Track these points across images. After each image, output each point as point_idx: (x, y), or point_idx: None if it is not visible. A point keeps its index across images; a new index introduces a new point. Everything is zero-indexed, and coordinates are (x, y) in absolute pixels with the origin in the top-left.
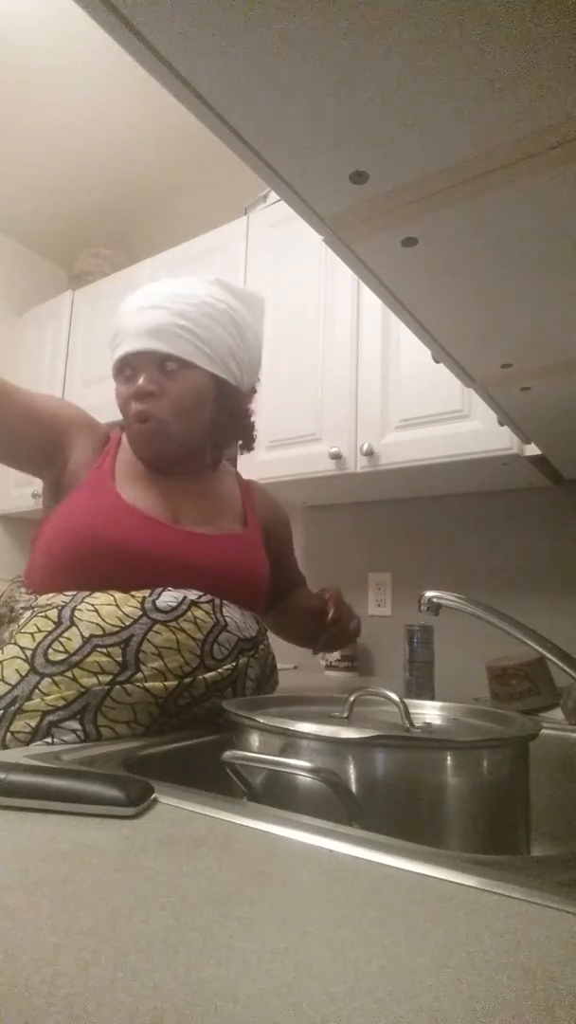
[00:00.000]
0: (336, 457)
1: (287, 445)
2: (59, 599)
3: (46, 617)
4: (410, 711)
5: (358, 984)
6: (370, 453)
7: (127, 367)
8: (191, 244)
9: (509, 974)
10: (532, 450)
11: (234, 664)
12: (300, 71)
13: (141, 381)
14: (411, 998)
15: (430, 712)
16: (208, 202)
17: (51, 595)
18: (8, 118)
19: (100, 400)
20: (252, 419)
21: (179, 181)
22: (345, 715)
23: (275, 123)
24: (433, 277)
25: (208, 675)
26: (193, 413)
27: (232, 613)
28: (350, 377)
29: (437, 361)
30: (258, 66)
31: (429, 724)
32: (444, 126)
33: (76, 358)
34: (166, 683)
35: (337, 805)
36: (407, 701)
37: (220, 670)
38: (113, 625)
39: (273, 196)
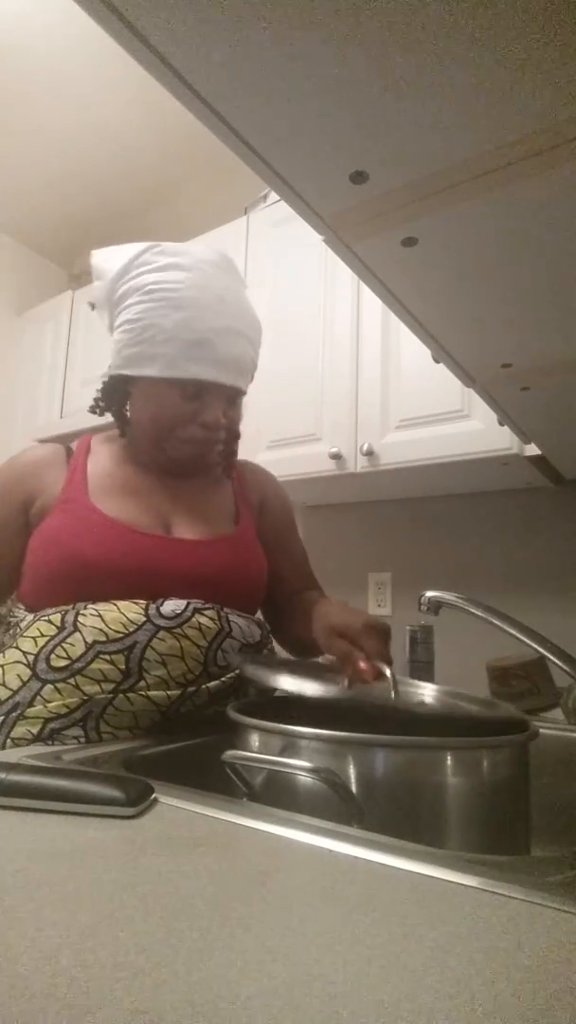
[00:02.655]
0: (336, 457)
1: (287, 445)
2: (62, 606)
3: (48, 622)
4: (405, 688)
5: (358, 984)
6: (370, 453)
7: (199, 388)
8: (191, 244)
9: (509, 974)
10: (532, 450)
11: (237, 671)
12: (300, 71)
13: (217, 415)
14: (411, 998)
15: (427, 693)
16: (208, 202)
17: None
18: (9, 118)
19: None
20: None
21: (179, 181)
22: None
23: (275, 123)
24: (433, 277)
25: (211, 684)
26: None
27: (236, 619)
28: (350, 377)
29: (437, 361)
30: (258, 66)
31: (422, 702)
32: (444, 126)
33: (76, 358)
34: (169, 692)
35: (337, 805)
36: (400, 678)
37: (224, 679)
38: (117, 631)
39: (273, 196)
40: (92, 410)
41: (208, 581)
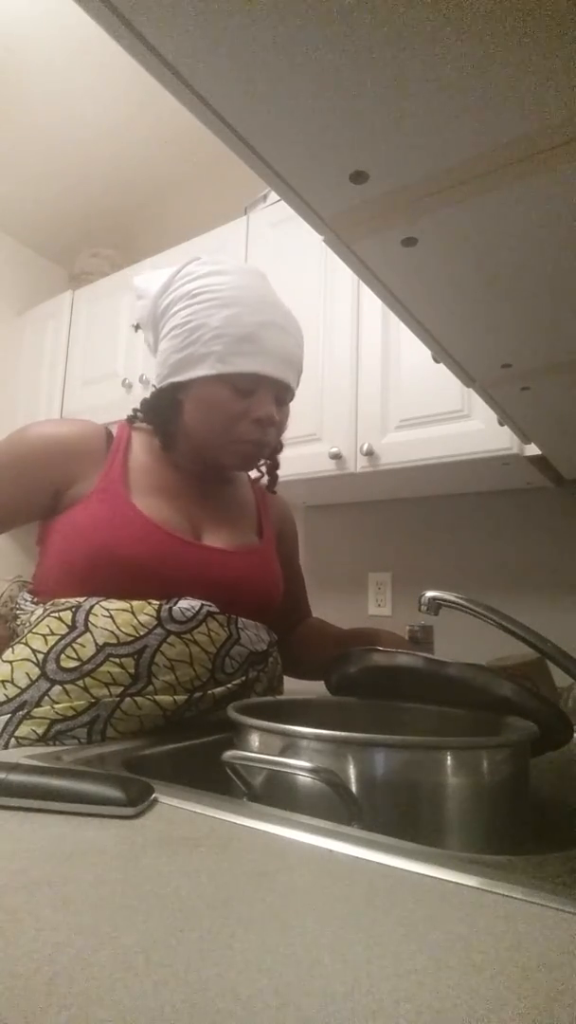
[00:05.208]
0: (336, 457)
1: (287, 445)
2: (73, 600)
3: (59, 619)
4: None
5: (358, 984)
6: (370, 453)
7: (250, 383)
8: (191, 244)
9: (509, 974)
10: (532, 450)
11: (243, 678)
12: (300, 71)
13: (270, 409)
14: (411, 998)
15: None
16: (208, 202)
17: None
18: (9, 118)
19: (99, 400)
20: None
21: (179, 181)
22: None
23: (275, 123)
24: (433, 277)
25: (217, 690)
26: None
27: (245, 626)
28: (350, 377)
29: (437, 361)
30: (258, 66)
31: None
32: (444, 126)
33: (76, 358)
34: (176, 697)
35: (337, 805)
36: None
37: (229, 685)
38: (128, 634)
39: (273, 196)
40: (130, 420)
41: (231, 589)
